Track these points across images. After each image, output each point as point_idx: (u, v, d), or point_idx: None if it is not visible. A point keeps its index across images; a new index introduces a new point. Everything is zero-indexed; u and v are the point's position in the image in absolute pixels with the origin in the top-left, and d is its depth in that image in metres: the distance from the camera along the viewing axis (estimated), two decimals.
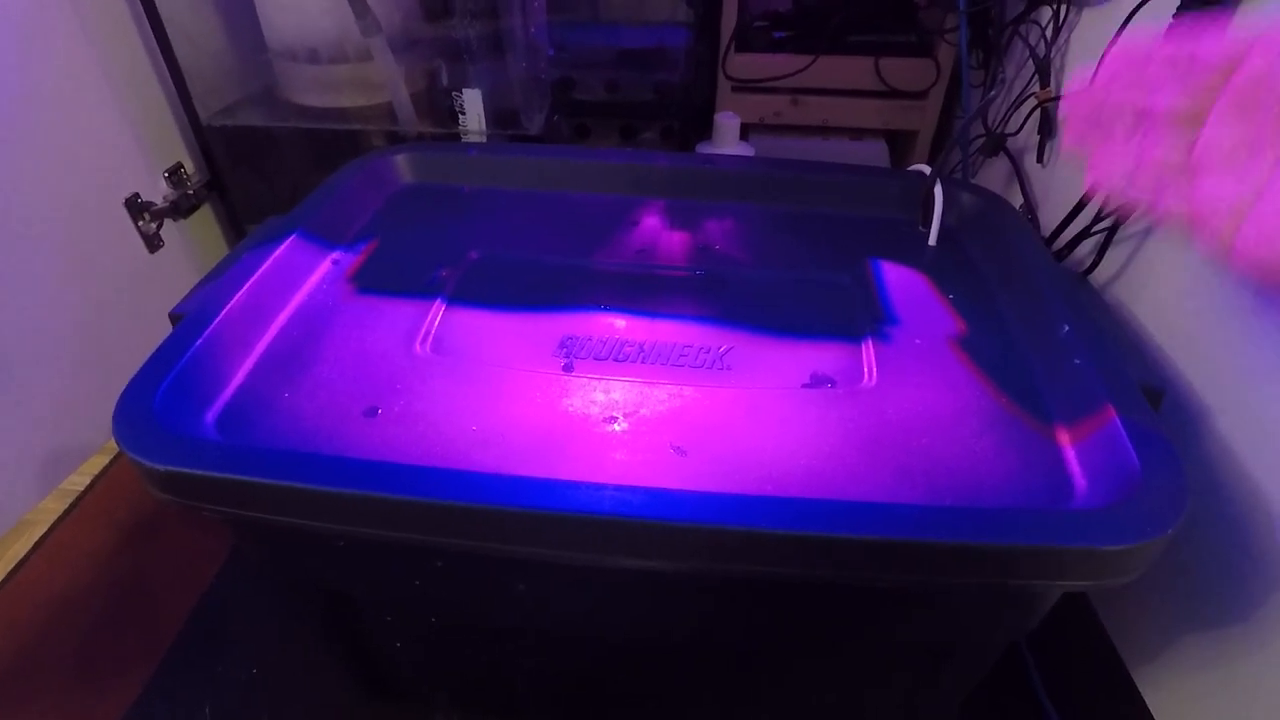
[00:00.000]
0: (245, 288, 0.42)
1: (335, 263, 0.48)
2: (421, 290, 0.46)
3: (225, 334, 0.40)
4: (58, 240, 0.61)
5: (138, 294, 0.70)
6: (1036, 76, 0.61)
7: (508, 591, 0.36)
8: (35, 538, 0.64)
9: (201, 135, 0.70)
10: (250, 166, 0.73)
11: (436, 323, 0.43)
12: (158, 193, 0.69)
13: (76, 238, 0.63)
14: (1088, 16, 0.55)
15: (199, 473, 0.32)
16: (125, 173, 0.66)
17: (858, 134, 0.87)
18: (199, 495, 0.33)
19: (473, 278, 0.47)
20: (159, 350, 0.38)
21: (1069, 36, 0.58)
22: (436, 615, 0.41)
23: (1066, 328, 0.39)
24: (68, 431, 0.67)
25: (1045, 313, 0.41)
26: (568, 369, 0.40)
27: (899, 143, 0.89)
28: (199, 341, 0.38)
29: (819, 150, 0.85)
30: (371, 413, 0.37)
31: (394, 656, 0.47)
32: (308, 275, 0.46)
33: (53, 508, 0.67)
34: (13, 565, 0.63)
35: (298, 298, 0.45)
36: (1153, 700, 0.46)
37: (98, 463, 0.70)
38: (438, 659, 0.48)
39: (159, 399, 0.35)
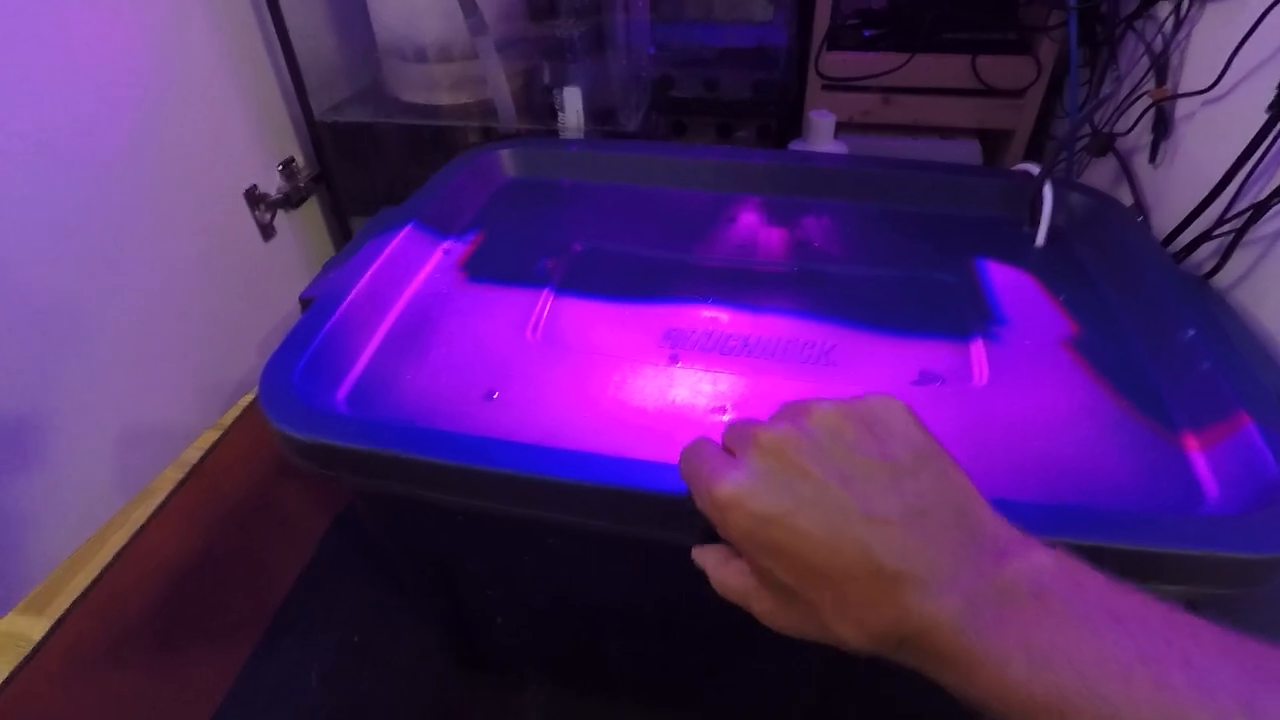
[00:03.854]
0: (369, 273, 0.44)
1: (446, 252, 0.50)
2: (529, 280, 0.47)
3: (352, 317, 0.42)
4: (190, 228, 0.66)
5: (253, 280, 0.74)
6: (1149, 74, 0.59)
7: (615, 572, 0.38)
8: (155, 505, 0.69)
9: (314, 130, 0.73)
10: (356, 160, 0.76)
11: (546, 312, 0.45)
12: (272, 185, 0.74)
13: (205, 226, 0.67)
14: (1212, 12, 0.53)
15: (338, 444, 0.34)
16: (245, 166, 0.71)
17: (949, 133, 0.85)
18: (334, 463, 0.35)
19: (578, 269, 0.49)
20: (294, 331, 0.40)
21: (1189, 32, 0.55)
22: (541, 592, 0.43)
23: (1192, 332, 0.38)
24: (189, 406, 0.71)
25: (1166, 316, 0.40)
26: (674, 359, 0.41)
27: (990, 142, 0.87)
28: (329, 324, 0.41)
29: (910, 149, 0.83)
30: (489, 396, 0.39)
31: (492, 630, 0.49)
32: (423, 264, 0.49)
33: (171, 476, 0.71)
34: (135, 530, 0.67)
35: (415, 285, 0.47)
36: None
37: (210, 437, 0.75)
38: (535, 635, 0.49)
39: (297, 375, 0.37)
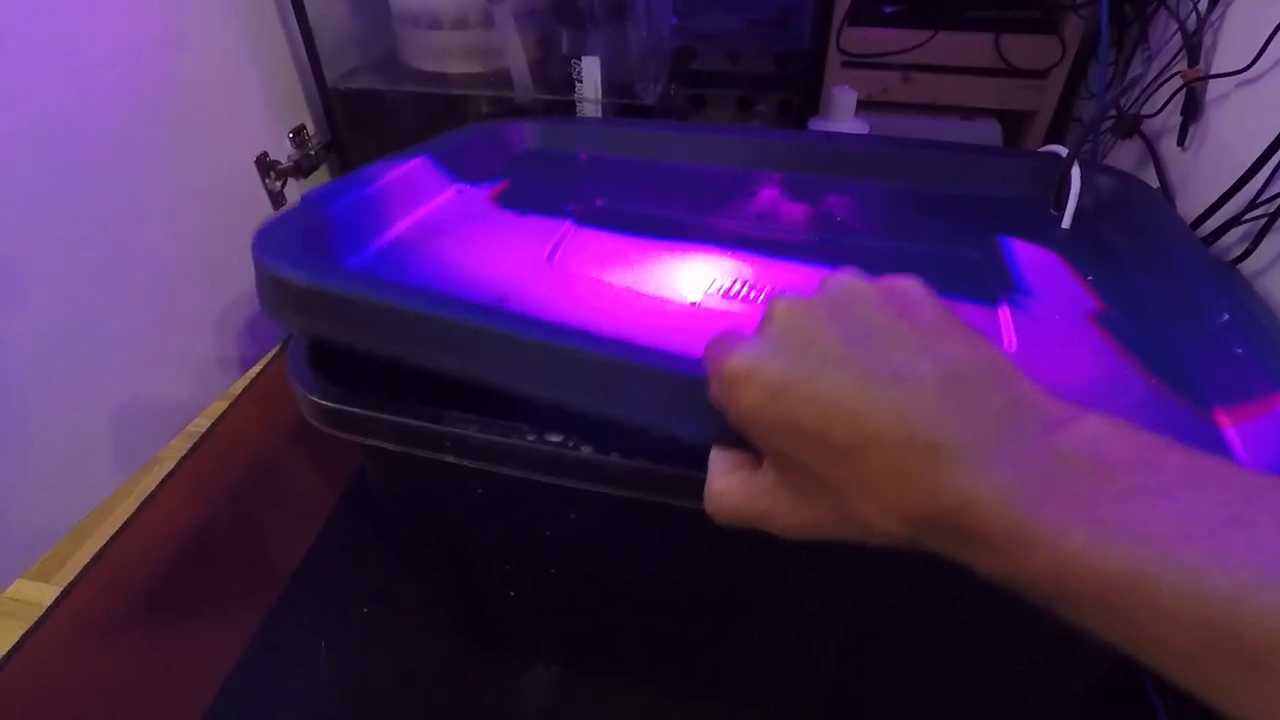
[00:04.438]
0: (380, 181, 0.44)
1: (459, 192, 0.49)
2: (552, 213, 0.47)
3: (359, 209, 0.41)
4: (199, 195, 0.65)
5: None
6: (1180, 55, 0.58)
7: (635, 546, 0.37)
8: (163, 474, 0.69)
9: (326, 98, 0.72)
10: (367, 129, 0.75)
11: (567, 242, 0.44)
12: (283, 152, 0.72)
13: (215, 193, 0.66)
14: None
15: (336, 289, 0.32)
16: (257, 132, 0.69)
17: (968, 113, 0.84)
18: (333, 315, 0.33)
19: (600, 216, 0.48)
20: (293, 209, 0.39)
21: (1224, 12, 0.54)
22: (558, 567, 0.42)
23: (1226, 316, 0.37)
24: (197, 376, 0.71)
25: (1197, 300, 0.39)
26: (693, 301, 0.40)
27: (1010, 123, 0.86)
28: (335, 206, 0.40)
29: (930, 129, 0.82)
30: (502, 301, 0.38)
31: (505, 605, 0.49)
32: (433, 194, 0.48)
33: (180, 446, 0.71)
34: (143, 499, 0.67)
35: (425, 207, 0.46)
36: None
37: (219, 407, 0.75)
38: (549, 610, 0.49)
39: (301, 236, 0.36)
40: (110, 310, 0.60)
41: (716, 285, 0.41)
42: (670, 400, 0.28)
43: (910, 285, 0.24)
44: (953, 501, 0.19)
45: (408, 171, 0.46)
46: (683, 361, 0.28)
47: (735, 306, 0.40)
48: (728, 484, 0.25)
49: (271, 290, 0.34)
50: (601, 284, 0.40)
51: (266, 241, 0.35)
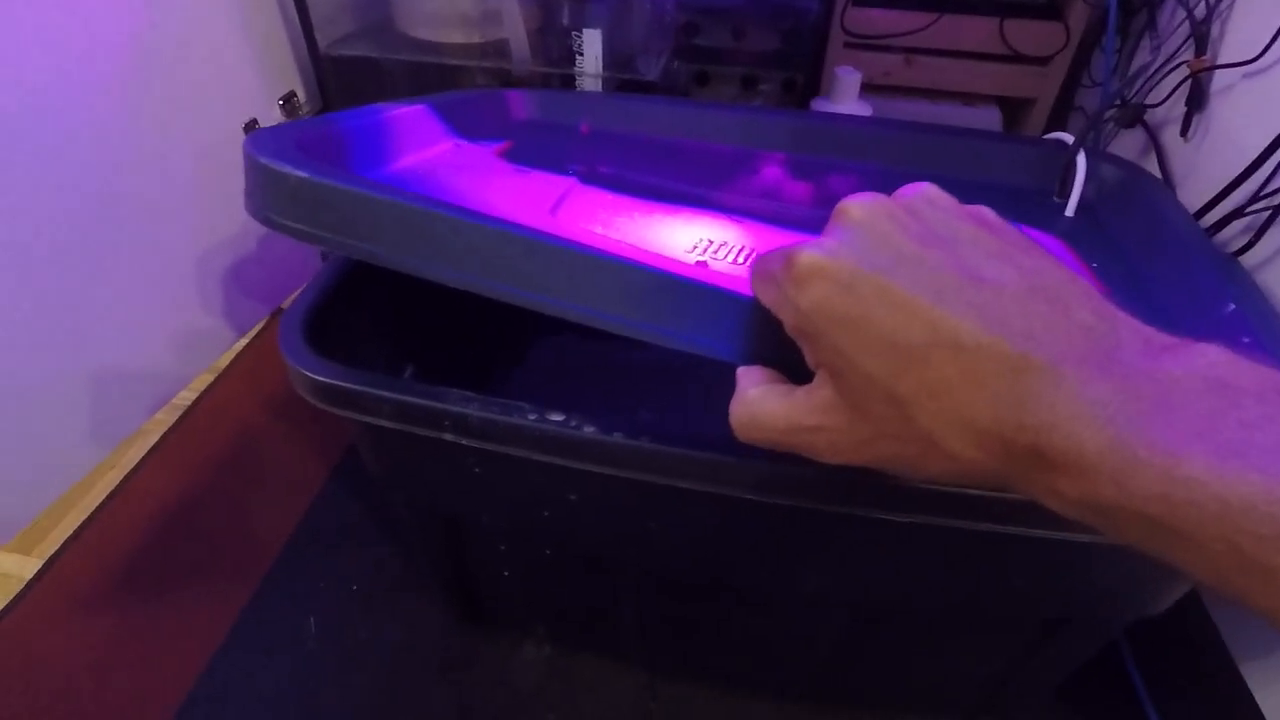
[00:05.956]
0: (378, 117, 0.42)
1: (457, 146, 0.48)
2: (557, 171, 0.46)
3: (360, 139, 0.40)
4: (186, 162, 0.63)
5: (248, 222, 0.71)
6: (1186, 44, 0.57)
7: (635, 529, 0.37)
8: (147, 447, 0.68)
9: (319, 64, 0.70)
10: (359, 98, 0.73)
11: (571, 197, 0.43)
12: (271, 120, 0.71)
13: (202, 161, 0.64)
14: None
15: (327, 182, 0.31)
16: (245, 99, 0.67)
17: (969, 99, 0.83)
18: (323, 210, 0.31)
19: (603, 179, 0.47)
20: (292, 122, 0.38)
21: (1234, 2, 0.54)
22: (554, 548, 0.42)
23: (1231, 306, 0.37)
24: (182, 347, 0.69)
25: (1203, 290, 0.39)
26: (702, 265, 0.39)
27: (1010, 110, 0.85)
28: (334, 130, 0.39)
29: (931, 114, 0.81)
30: None
31: (498, 585, 0.49)
32: (429, 143, 0.46)
33: (164, 419, 0.70)
34: (126, 472, 0.66)
35: (425, 151, 0.45)
36: (1268, 702, 0.44)
37: (205, 380, 0.73)
38: (542, 591, 0.49)
39: (295, 146, 0.34)
40: (94, 280, 0.59)
41: (721, 249, 0.41)
42: (709, 315, 0.27)
43: (987, 209, 0.23)
44: (1037, 418, 0.17)
45: (406, 115, 0.44)
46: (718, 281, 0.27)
47: (742, 271, 0.39)
48: (764, 394, 0.23)
49: (267, 187, 0.32)
50: (605, 240, 0.39)
51: (261, 142, 0.33)
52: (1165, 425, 0.16)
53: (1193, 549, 0.16)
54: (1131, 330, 0.19)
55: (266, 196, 0.32)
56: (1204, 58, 0.55)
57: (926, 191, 0.23)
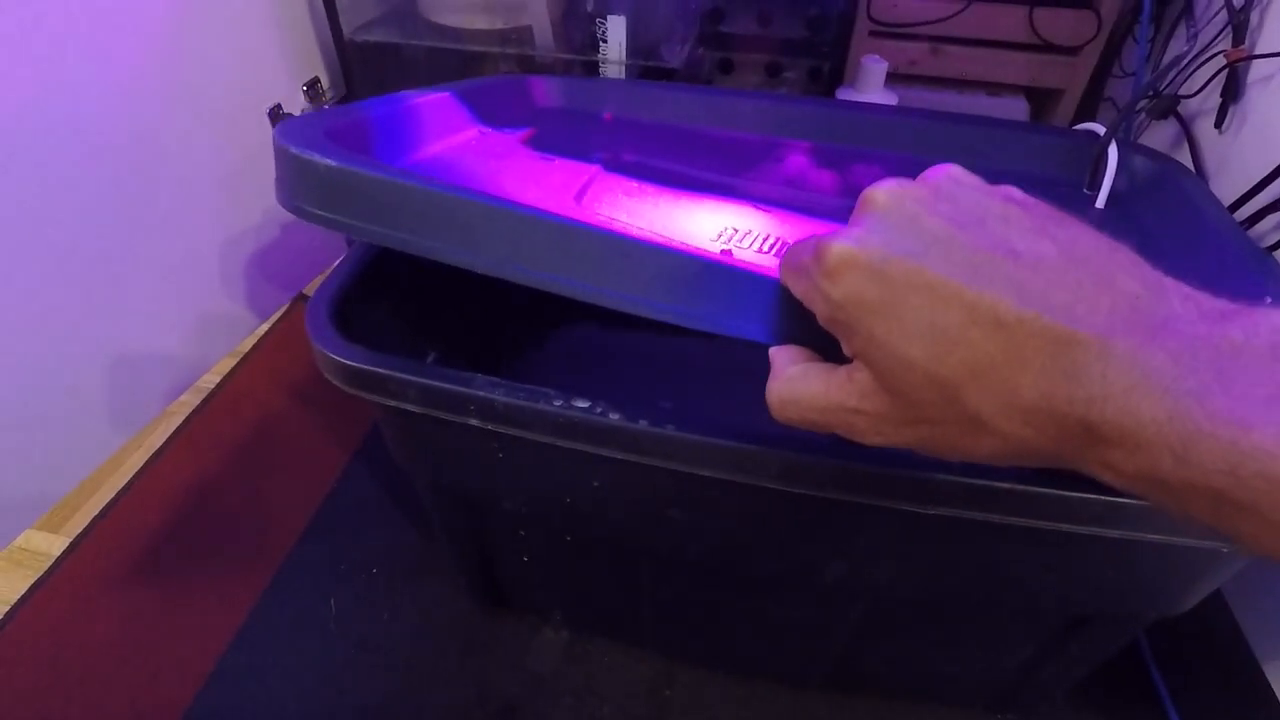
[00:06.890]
0: (403, 105, 0.42)
1: (483, 134, 0.48)
2: (581, 159, 0.45)
3: (385, 127, 0.40)
4: (211, 147, 0.64)
5: (274, 205, 0.72)
6: (1223, 34, 0.56)
7: (657, 516, 0.37)
8: (172, 428, 0.69)
9: (343, 50, 0.70)
10: (383, 84, 0.73)
11: (596, 184, 0.43)
12: (296, 105, 0.71)
13: (227, 146, 0.65)
14: None
15: (359, 170, 0.31)
16: (271, 84, 0.68)
17: (996, 89, 0.82)
18: (351, 199, 0.32)
19: (628, 167, 0.47)
20: (319, 110, 0.38)
21: None
22: (574, 534, 0.42)
23: (1269, 300, 0.36)
24: (208, 331, 0.70)
25: (1238, 284, 0.39)
26: (727, 253, 0.39)
27: (1038, 101, 0.84)
28: (360, 118, 0.39)
29: (956, 104, 0.80)
30: None
31: (517, 570, 0.49)
32: (458, 131, 0.46)
33: (189, 402, 0.70)
34: (151, 453, 0.67)
35: (450, 139, 0.45)
36: None
37: (229, 364, 0.74)
38: (562, 577, 0.49)
39: (323, 134, 0.34)
40: (121, 265, 0.59)
41: (746, 237, 0.40)
42: (741, 298, 0.27)
43: (1015, 188, 0.22)
44: (1087, 391, 0.17)
45: (432, 102, 0.44)
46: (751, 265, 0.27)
47: (767, 260, 0.39)
48: (804, 371, 0.22)
49: (298, 177, 0.32)
50: (631, 227, 0.39)
51: (290, 131, 0.33)
52: (1229, 394, 0.16)
53: (1261, 523, 0.15)
54: (1183, 297, 0.18)
55: (297, 186, 0.32)
56: (1242, 47, 0.54)
57: (952, 172, 0.22)
